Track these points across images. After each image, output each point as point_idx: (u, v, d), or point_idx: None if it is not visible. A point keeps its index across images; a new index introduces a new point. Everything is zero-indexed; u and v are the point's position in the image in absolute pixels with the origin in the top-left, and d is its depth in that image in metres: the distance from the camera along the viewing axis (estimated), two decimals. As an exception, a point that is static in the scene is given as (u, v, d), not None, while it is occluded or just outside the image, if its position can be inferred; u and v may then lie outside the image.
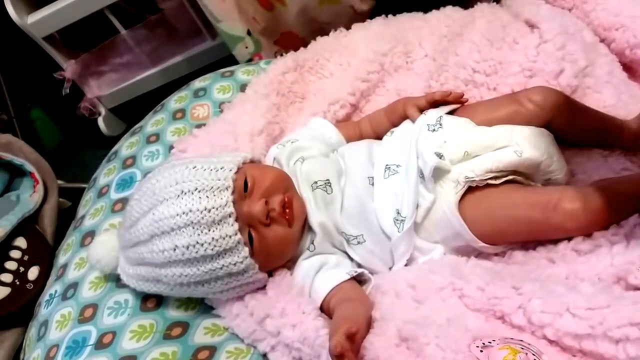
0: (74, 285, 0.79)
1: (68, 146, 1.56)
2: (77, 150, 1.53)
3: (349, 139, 0.86)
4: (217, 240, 0.64)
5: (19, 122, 1.39)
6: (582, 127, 0.78)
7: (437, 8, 1.00)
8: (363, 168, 0.76)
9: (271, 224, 0.69)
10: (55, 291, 0.80)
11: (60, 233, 0.94)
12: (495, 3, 1.02)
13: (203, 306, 0.74)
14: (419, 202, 0.71)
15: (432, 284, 0.66)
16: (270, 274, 0.72)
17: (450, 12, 0.98)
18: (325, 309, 0.68)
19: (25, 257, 0.89)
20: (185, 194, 0.65)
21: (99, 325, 0.73)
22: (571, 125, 0.78)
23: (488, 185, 0.70)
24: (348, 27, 1.03)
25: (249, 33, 1.14)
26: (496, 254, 0.71)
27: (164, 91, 1.13)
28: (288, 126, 0.93)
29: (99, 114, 1.44)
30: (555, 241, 0.67)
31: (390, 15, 1.03)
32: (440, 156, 0.71)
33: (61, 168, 1.18)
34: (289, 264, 0.74)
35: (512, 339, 0.57)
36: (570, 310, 0.55)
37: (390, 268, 0.75)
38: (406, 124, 0.81)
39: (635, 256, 0.58)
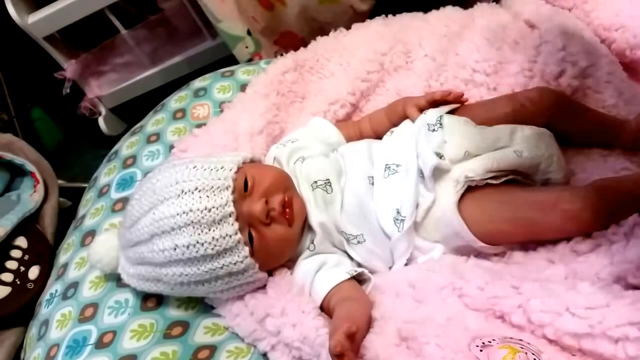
0: (75, 285, 0.79)
1: (68, 146, 1.56)
2: (78, 150, 1.53)
3: (349, 139, 0.86)
4: (217, 239, 0.64)
5: (20, 122, 1.39)
6: (582, 127, 0.78)
7: (437, 8, 1.00)
8: (363, 167, 0.76)
9: (271, 224, 0.69)
10: (56, 290, 0.80)
11: (61, 232, 0.94)
12: (495, 3, 1.02)
13: (203, 305, 0.74)
14: (419, 202, 0.72)
15: (432, 284, 0.66)
16: (270, 273, 0.72)
17: (450, 12, 0.98)
18: (325, 309, 0.68)
19: (26, 257, 0.89)
20: (186, 193, 0.65)
21: (100, 324, 0.73)
22: (571, 125, 0.78)
23: (488, 185, 0.70)
24: (348, 27, 1.03)
25: (249, 33, 1.14)
26: (496, 254, 0.71)
27: (164, 91, 1.13)
28: (288, 126, 0.93)
29: (100, 114, 1.44)
30: (555, 241, 0.68)
31: (390, 15, 1.04)
32: (440, 156, 0.72)
33: (61, 168, 1.19)
34: (289, 263, 0.74)
35: (511, 338, 0.57)
36: (569, 310, 0.55)
37: (390, 267, 0.75)
38: (406, 123, 0.81)
39: (634, 255, 0.58)
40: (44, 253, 0.91)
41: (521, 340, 0.57)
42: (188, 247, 0.64)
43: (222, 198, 0.65)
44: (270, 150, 0.85)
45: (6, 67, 1.39)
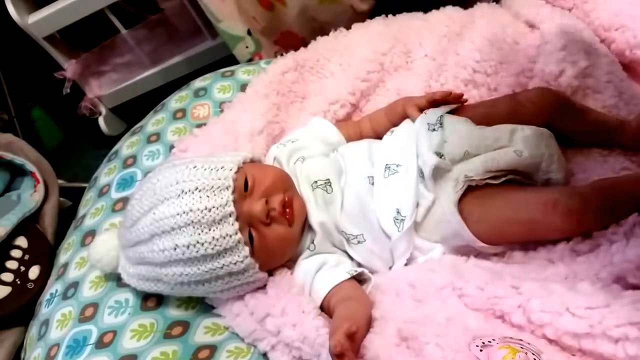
0: (75, 285, 0.79)
1: (69, 146, 1.56)
2: (78, 150, 1.53)
3: (349, 139, 0.86)
4: (217, 239, 0.64)
5: (20, 122, 1.39)
6: (582, 127, 0.78)
7: (437, 8, 1.00)
8: (363, 167, 0.76)
9: (271, 224, 0.69)
10: (56, 290, 0.80)
11: (61, 232, 0.94)
12: (495, 3, 1.02)
13: (203, 305, 0.74)
14: (419, 202, 0.72)
15: (432, 284, 0.66)
16: (271, 273, 0.72)
17: (450, 12, 0.98)
18: (325, 308, 0.69)
19: (26, 257, 0.89)
20: (186, 193, 0.65)
21: (100, 324, 0.73)
22: (571, 125, 0.78)
23: (487, 185, 0.70)
24: (348, 27, 1.03)
25: (249, 33, 1.14)
26: (496, 254, 0.71)
27: (165, 91, 1.13)
28: (288, 126, 0.93)
29: (100, 114, 1.44)
30: (555, 241, 0.68)
31: (390, 15, 1.04)
32: (440, 156, 0.72)
33: (62, 167, 1.19)
34: (289, 263, 0.74)
35: (511, 338, 0.57)
36: (569, 310, 0.56)
37: (390, 267, 0.75)
38: (406, 123, 0.81)
39: (634, 255, 0.58)
40: (44, 253, 0.91)
41: (521, 340, 0.57)
42: (188, 247, 0.64)
43: (222, 198, 0.65)
44: (271, 150, 0.85)
45: (6, 67, 1.39)
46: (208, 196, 0.65)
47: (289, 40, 1.18)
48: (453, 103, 0.80)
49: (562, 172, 0.73)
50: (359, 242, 0.73)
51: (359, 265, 0.74)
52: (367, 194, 0.74)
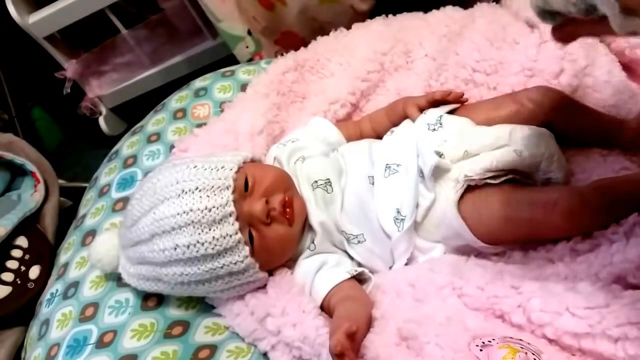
0: (75, 284, 0.79)
1: (69, 145, 1.57)
2: (78, 150, 1.53)
3: (349, 139, 0.86)
4: (217, 239, 0.64)
5: (20, 122, 1.39)
6: (582, 126, 0.78)
7: (437, 8, 1.00)
8: (363, 167, 0.76)
9: (272, 223, 0.69)
10: (56, 290, 0.80)
11: (61, 232, 0.94)
12: (495, 3, 1.02)
13: (204, 305, 0.74)
14: (419, 202, 0.72)
15: (432, 283, 0.66)
16: (271, 273, 0.72)
17: (450, 12, 0.98)
18: (325, 308, 0.69)
19: (27, 256, 0.89)
20: (186, 193, 0.65)
21: (100, 324, 0.73)
22: (571, 124, 0.78)
23: (487, 185, 0.70)
24: (348, 27, 1.03)
25: (249, 33, 1.14)
26: (496, 254, 0.71)
27: (165, 91, 1.13)
28: (288, 126, 0.93)
29: (100, 114, 1.44)
30: (555, 241, 0.68)
31: (390, 15, 1.04)
32: (440, 155, 0.72)
33: (62, 167, 1.19)
34: (290, 263, 0.74)
35: (511, 338, 0.57)
36: (569, 310, 0.56)
37: (390, 267, 0.75)
38: (406, 123, 0.81)
39: (634, 255, 0.58)
40: (45, 253, 0.91)
41: (521, 340, 0.57)
42: (188, 246, 0.64)
43: (222, 198, 0.65)
44: (271, 150, 0.85)
45: (7, 67, 1.40)
46: (208, 196, 0.65)
47: (289, 40, 1.18)
48: (453, 103, 0.80)
49: (562, 172, 0.73)
50: (359, 241, 0.73)
51: (359, 265, 0.74)
52: (367, 193, 0.74)
